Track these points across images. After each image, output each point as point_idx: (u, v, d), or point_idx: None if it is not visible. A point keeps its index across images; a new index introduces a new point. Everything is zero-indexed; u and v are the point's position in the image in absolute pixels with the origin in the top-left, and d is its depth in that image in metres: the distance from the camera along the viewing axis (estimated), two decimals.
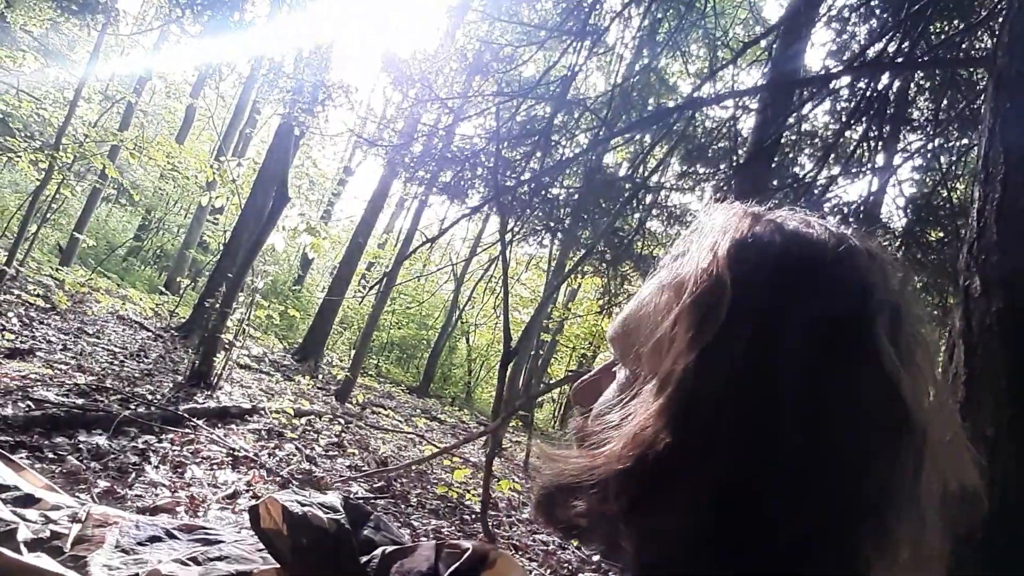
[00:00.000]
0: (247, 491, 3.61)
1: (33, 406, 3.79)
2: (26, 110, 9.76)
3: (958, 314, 1.29)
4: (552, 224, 6.12)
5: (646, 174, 4.82)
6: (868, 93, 3.67)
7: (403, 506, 4.47)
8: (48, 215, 11.05)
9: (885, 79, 3.68)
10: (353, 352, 11.90)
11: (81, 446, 3.48)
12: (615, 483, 0.45)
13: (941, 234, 3.61)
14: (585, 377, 0.59)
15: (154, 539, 1.02)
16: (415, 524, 4.06)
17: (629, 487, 0.44)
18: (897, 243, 3.47)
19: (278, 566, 0.88)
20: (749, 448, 0.41)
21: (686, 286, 0.47)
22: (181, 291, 13.69)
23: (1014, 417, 1.12)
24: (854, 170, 3.85)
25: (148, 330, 8.85)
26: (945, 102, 3.94)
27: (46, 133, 9.38)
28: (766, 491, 0.40)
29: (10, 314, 6.39)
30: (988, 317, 1.21)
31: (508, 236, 5.13)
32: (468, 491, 5.33)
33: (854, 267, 0.46)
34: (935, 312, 2.88)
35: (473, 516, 4.60)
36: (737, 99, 4.62)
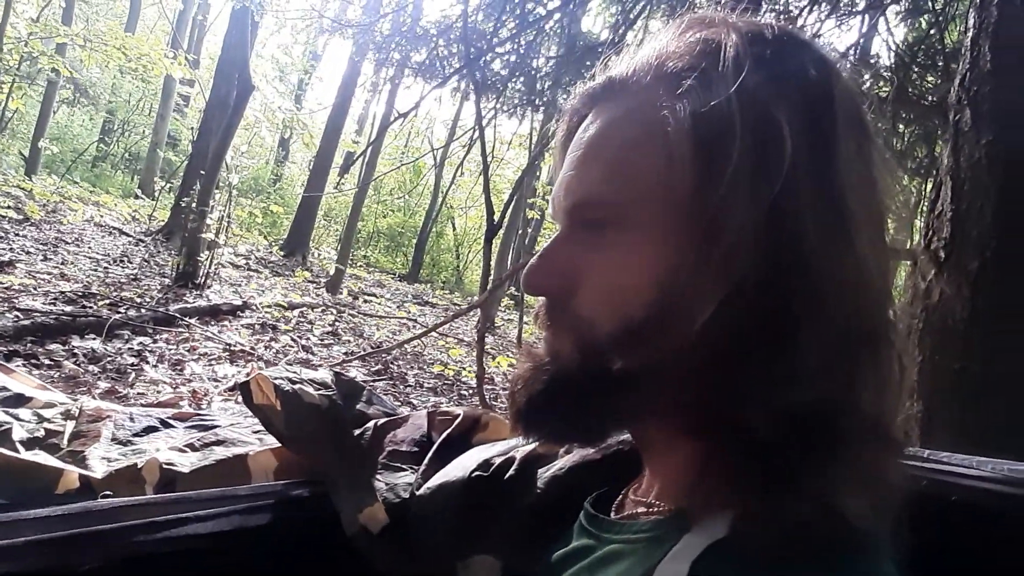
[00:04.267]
0: None
1: (21, 316, 3.78)
2: None
3: (946, 151, 1.26)
4: (533, 98, 5.87)
5: (624, 33, 4.57)
6: None
7: (401, 386, 4.61)
8: (5, 123, 10.51)
9: None
10: (340, 244, 11.86)
11: (76, 351, 3.50)
12: (650, 335, 0.43)
13: (932, 79, 3.49)
14: (536, 262, 0.50)
15: (150, 429, 1.03)
16: (414, 402, 4.21)
17: (665, 332, 0.42)
18: (888, 88, 3.36)
19: (273, 447, 0.89)
20: (779, 265, 0.40)
21: (680, 114, 0.42)
22: (157, 193, 13.33)
23: (998, 249, 1.12)
24: (844, 10, 3.66)
25: (128, 235, 8.71)
26: None
27: None
28: (792, 294, 0.40)
29: None
30: (977, 151, 1.17)
31: (487, 112, 4.94)
32: (464, 368, 5.50)
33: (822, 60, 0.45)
34: (923, 161, 2.84)
35: (470, 391, 4.77)
36: None
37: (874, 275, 0.42)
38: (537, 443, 0.65)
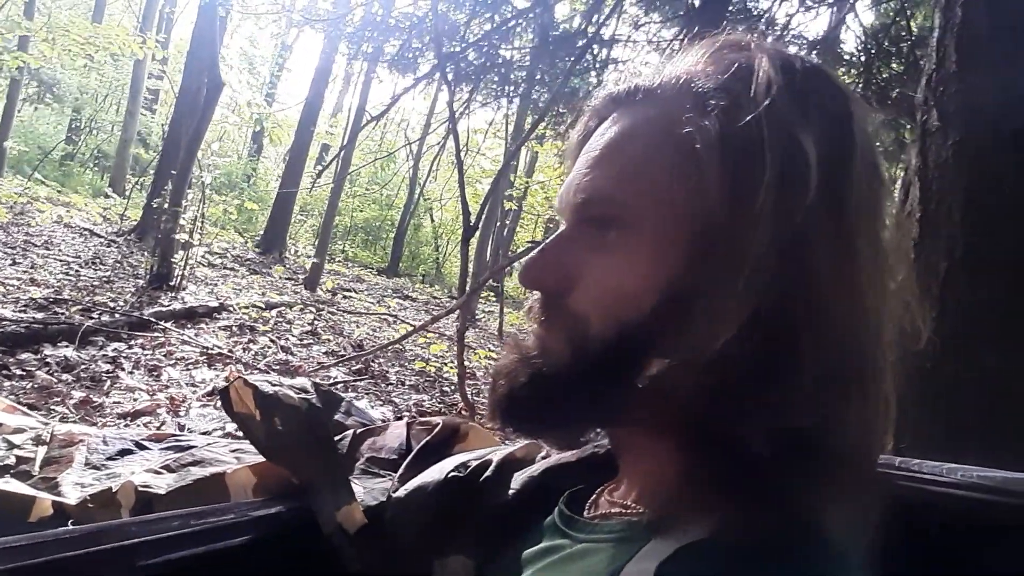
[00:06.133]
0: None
1: None
2: None
3: (914, 151, 1.27)
4: (507, 89, 5.84)
5: (600, 22, 4.56)
6: None
7: (383, 385, 4.59)
8: None
9: None
10: (317, 239, 11.75)
11: (49, 360, 3.43)
12: (644, 336, 0.43)
13: (899, 68, 3.54)
14: (537, 256, 0.50)
15: (124, 452, 1.01)
16: (396, 401, 4.20)
17: (662, 335, 0.43)
18: (857, 78, 3.40)
19: (251, 464, 0.88)
20: (791, 294, 0.40)
21: (708, 131, 0.43)
22: (128, 192, 13.07)
23: (966, 248, 1.14)
24: (813, 4, 3.69)
25: (99, 236, 8.53)
26: None
27: None
28: (799, 325, 0.40)
29: None
30: (944, 151, 1.19)
31: (462, 105, 4.91)
32: (446, 364, 5.49)
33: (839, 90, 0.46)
34: (891, 150, 2.88)
35: (452, 388, 4.77)
36: None
37: (871, 314, 0.43)
38: (512, 435, 0.65)
